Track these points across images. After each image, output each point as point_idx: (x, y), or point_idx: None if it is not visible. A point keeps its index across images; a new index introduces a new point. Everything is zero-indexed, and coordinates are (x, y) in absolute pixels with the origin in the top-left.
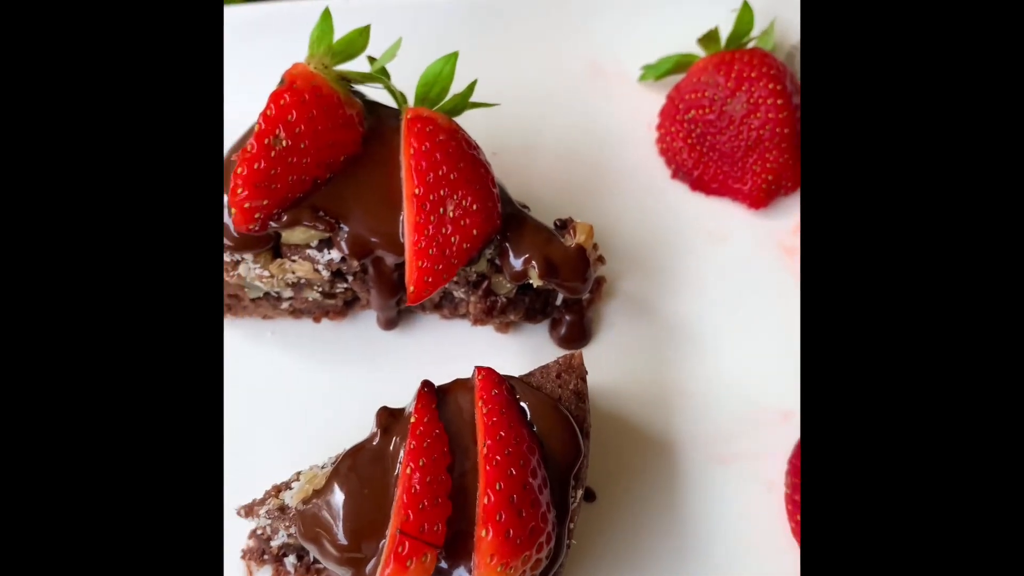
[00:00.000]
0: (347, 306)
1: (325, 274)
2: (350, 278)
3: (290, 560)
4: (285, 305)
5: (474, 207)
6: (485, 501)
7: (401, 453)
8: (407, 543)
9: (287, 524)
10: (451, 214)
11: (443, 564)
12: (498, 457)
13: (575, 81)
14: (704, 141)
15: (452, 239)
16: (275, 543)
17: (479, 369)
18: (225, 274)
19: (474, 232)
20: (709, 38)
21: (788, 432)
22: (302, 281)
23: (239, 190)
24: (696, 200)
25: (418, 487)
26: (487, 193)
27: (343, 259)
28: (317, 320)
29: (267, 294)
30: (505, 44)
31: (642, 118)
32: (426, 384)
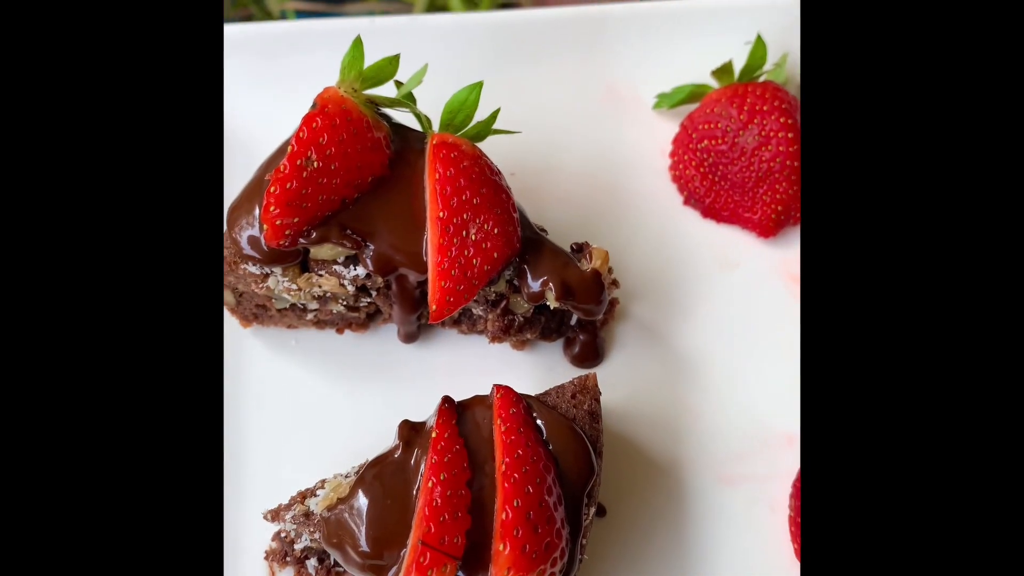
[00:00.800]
0: (369, 319)
1: (350, 289)
2: (374, 293)
3: (311, 563)
4: (310, 316)
5: (495, 231)
6: (503, 517)
7: (423, 466)
8: (428, 554)
9: (311, 529)
10: (473, 237)
11: (460, 575)
12: (516, 475)
13: (592, 106)
14: (716, 171)
15: (474, 261)
16: (298, 546)
17: (497, 387)
18: (254, 285)
19: (495, 255)
20: (723, 71)
21: (792, 455)
22: (328, 295)
23: (271, 208)
24: (707, 227)
25: (439, 500)
26: (508, 218)
27: (368, 276)
28: (340, 331)
29: (293, 305)
30: (527, 67)
31: (656, 145)
32: (446, 400)
